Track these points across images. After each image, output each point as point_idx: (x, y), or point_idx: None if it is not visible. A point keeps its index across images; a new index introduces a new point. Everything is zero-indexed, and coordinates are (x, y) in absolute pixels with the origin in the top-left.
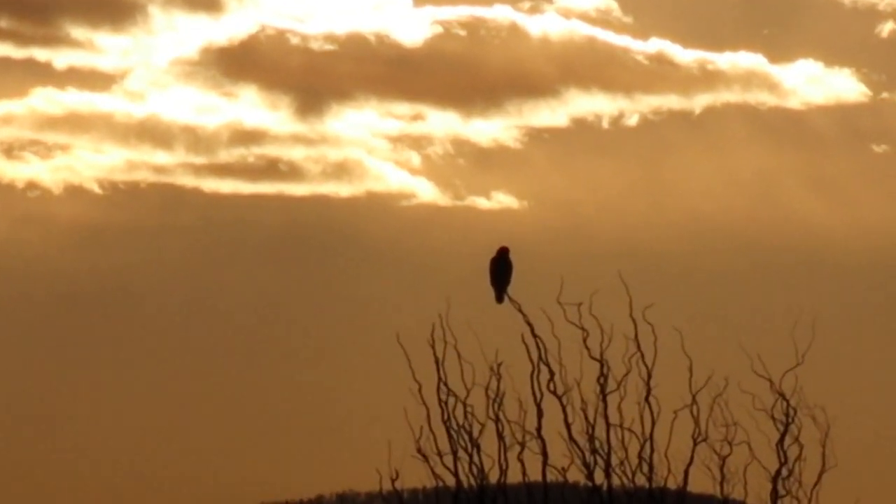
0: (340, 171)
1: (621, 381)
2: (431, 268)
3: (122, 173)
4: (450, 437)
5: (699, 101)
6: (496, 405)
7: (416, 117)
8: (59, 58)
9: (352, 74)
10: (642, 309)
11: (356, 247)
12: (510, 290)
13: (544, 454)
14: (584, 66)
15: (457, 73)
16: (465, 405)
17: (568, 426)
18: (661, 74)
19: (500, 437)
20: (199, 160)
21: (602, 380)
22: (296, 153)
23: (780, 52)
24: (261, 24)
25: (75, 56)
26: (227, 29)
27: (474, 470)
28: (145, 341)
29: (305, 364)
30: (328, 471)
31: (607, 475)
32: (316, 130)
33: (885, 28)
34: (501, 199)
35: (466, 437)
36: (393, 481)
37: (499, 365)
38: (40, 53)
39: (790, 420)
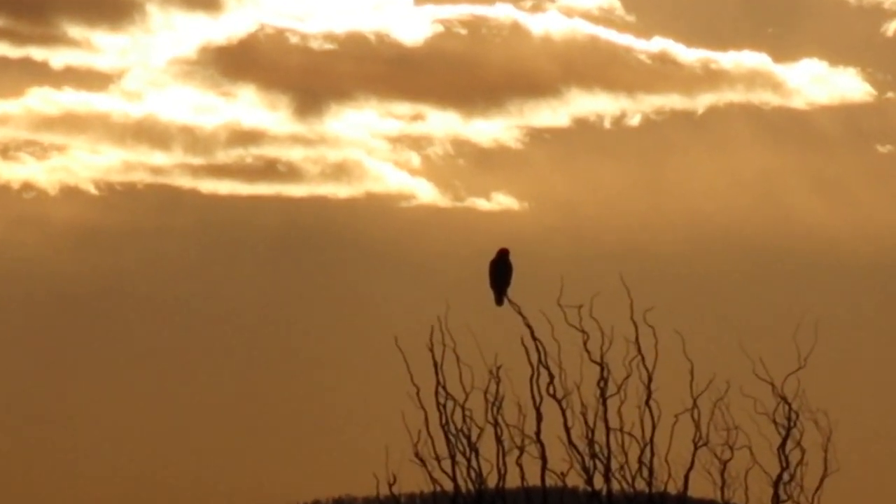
0: (339, 171)
1: (622, 384)
2: (431, 269)
3: (119, 174)
4: (448, 441)
5: (702, 101)
6: (495, 409)
7: (416, 117)
8: (56, 57)
9: (351, 74)
10: (643, 311)
11: (355, 248)
12: (510, 292)
13: (543, 458)
14: (586, 66)
15: (457, 72)
16: (463, 409)
17: (567, 430)
18: (663, 74)
19: (499, 441)
20: (197, 161)
21: (602, 383)
22: (294, 154)
23: (784, 51)
24: (260, 23)
25: (72, 55)
26: (226, 28)
27: (472, 474)
28: (142, 343)
29: (303, 366)
30: (325, 475)
31: (607, 480)
32: (315, 131)
33: (891, 27)
34: (502, 201)
35: (465, 442)
36: (390, 486)
37: (498, 368)
38: (37, 53)
39: (792, 424)
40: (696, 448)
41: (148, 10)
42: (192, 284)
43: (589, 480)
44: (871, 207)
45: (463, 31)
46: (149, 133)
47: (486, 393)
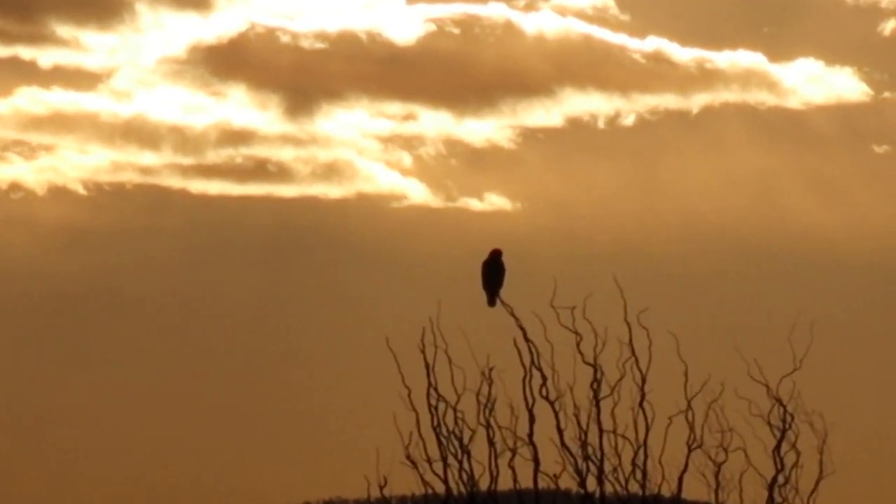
0: (330, 171)
1: (615, 386)
2: (422, 270)
3: (108, 174)
4: (440, 443)
5: (697, 101)
6: (487, 411)
7: (408, 117)
8: (44, 56)
9: (342, 73)
10: (637, 313)
11: (346, 249)
12: (503, 293)
13: (536, 461)
14: (579, 65)
15: (450, 71)
16: (455, 411)
17: (560, 432)
18: (658, 73)
19: (491, 443)
20: (187, 161)
21: (595, 385)
22: (285, 154)
23: (779, 50)
24: (250, 22)
25: (60, 55)
26: (216, 27)
27: (464, 477)
28: (131, 345)
29: (293, 367)
30: (315, 477)
31: (600, 482)
32: (306, 130)
33: (888, 26)
34: (494, 201)
35: (456, 444)
36: (381, 488)
37: (490, 370)
38: (25, 52)
39: (787, 426)
40: (690, 450)
41: (137, 9)
42: (182, 286)
43: (582, 483)
44: (868, 208)
45: (455, 31)
46: (138, 133)
47: (478, 394)
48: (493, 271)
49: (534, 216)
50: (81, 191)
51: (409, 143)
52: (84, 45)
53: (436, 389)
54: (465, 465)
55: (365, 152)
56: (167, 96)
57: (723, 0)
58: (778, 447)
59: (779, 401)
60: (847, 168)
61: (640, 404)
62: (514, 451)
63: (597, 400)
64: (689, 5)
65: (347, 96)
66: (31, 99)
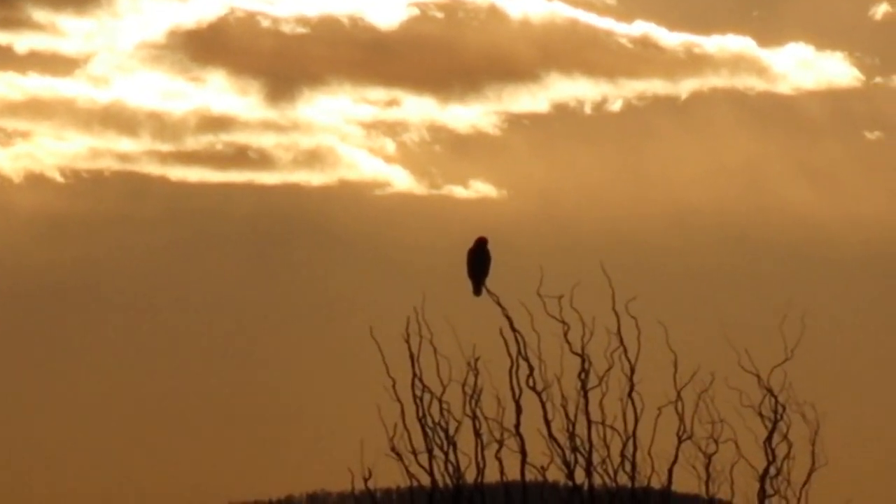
0: (312, 158)
1: (603, 376)
2: (407, 259)
3: (86, 161)
4: (425, 434)
5: (685, 87)
6: (473, 402)
7: (391, 103)
8: (20, 41)
9: (324, 58)
10: (625, 302)
11: (328, 237)
12: (488, 282)
13: (523, 452)
14: (565, 50)
15: (433, 56)
16: (440, 402)
17: (548, 423)
18: (645, 58)
19: (478, 434)
20: (166, 147)
21: (583, 375)
22: (266, 140)
23: (769, 35)
24: (230, 6)
25: (37, 39)
26: (195, 11)
27: (450, 469)
28: (109, 336)
29: (275, 358)
30: (298, 470)
31: (588, 474)
32: (287, 117)
33: (879, 10)
34: (480, 188)
35: (442, 435)
36: (366, 481)
37: (476, 360)
38: (0, 37)
39: (778, 417)
40: (679, 441)
41: None
42: (162, 275)
43: (570, 475)
44: (859, 195)
45: (439, 15)
46: (116, 119)
47: (464, 385)
48: (478, 260)
49: (520, 203)
50: (59, 178)
51: (393, 129)
52: (61, 29)
53: (421, 380)
54: (451, 457)
55: (347, 139)
56: (146, 82)
57: None
58: (769, 438)
59: (770, 391)
60: (838, 155)
61: (629, 395)
62: (500, 443)
63: (585, 390)
64: None
65: (329, 82)
66: (6, 84)
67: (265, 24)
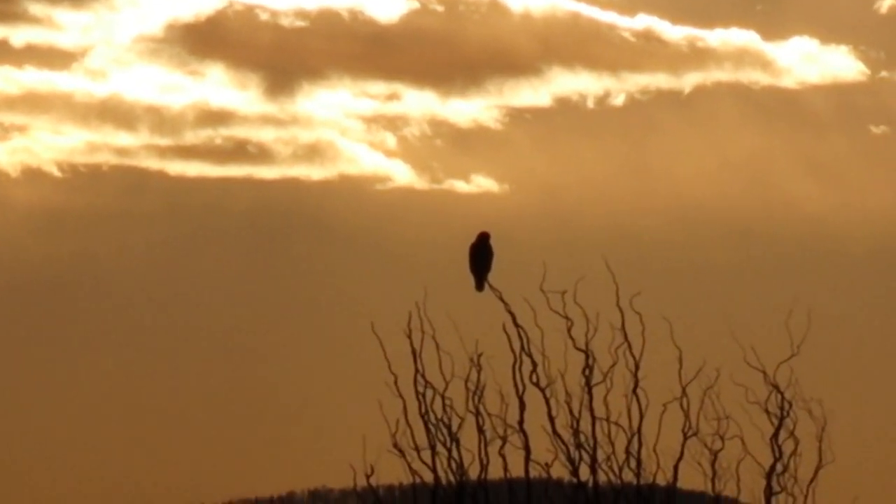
0: (312, 153)
1: (607, 372)
2: (408, 254)
3: (83, 156)
4: (428, 431)
5: (689, 81)
6: (476, 398)
7: (392, 97)
8: (17, 35)
9: (324, 52)
10: (629, 297)
11: (328, 232)
12: (491, 277)
13: (527, 449)
14: (567, 44)
15: (434, 50)
16: (443, 398)
17: (551, 420)
18: (648, 52)
19: (481, 431)
20: (164, 142)
21: (587, 371)
22: (265, 134)
23: (773, 28)
24: None
25: (34, 33)
26: (193, 4)
27: (453, 465)
28: (107, 331)
29: (276, 354)
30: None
31: (593, 471)
32: (286, 111)
33: (884, 4)
34: (481, 183)
35: (445, 432)
36: (368, 477)
37: (479, 356)
38: None
39: (785, 413)
40: (685, 438)
41: None
42: (160, 270)
43: (574, 472)
44: (865, 190)
45: (440, 8)
46: (114, 113)
47: (466, 381)
48: (480, 255)
49: (522, 198)
50: (56, 172)
51: (393, 123)
52: (58, 22)
53: (423, 376)
54: (454, 454)
55: (347, 133)
56: (143, 76)
57: None
58: (776, 435)
59: (776, 387)
60: (843, 149)
61: (634, 391)
62: (504, 439)
63: (589, 387)
64: None
65: (329, 75)
66: (3, 78)
67: (264, 17)
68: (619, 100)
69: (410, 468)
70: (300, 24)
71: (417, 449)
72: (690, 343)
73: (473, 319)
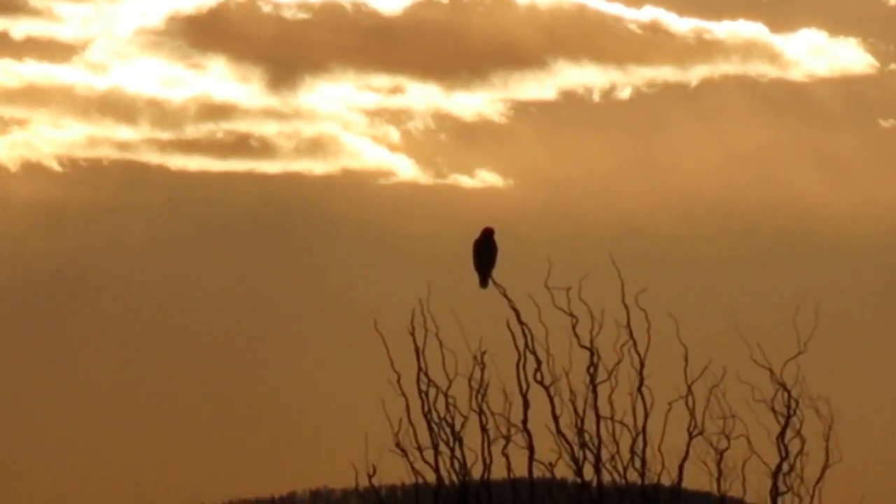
0: (315, 147)
1: (612, 370)
2: (411, 250)
3: (83, 150)
4: (430, 430)
5: (696, 73)
6: (480, 396)
7: (395, 90)
8: (17, 27)
9: (327, 45)
10: (635, 294)
11: (331, 227)
12: (495, 273)
13: (531, 448)
14: (573, 36)
15: (438, 43)
16: (446, 396)
17: (556, 418)
18: (655, 44)
19: (484, 430)
20: (165, 136)
21: (592, 369)
22: (267, 128)
23: (781, 20)
24: None
25: (33, 25)
26: None
27: (456, 465)
28: (107, 328)
29: (277, 352)
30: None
31: (597, 471)
32: (289, 104)
33: None
34: (486, 178)
35: (448, 431)
36: (370, 477)
37: (482, 353)
38: None
39: (791, 412)
40: (690, 437)
41: None
42: (161, 266)
43: (578, 471)
44: (874, 184)
45: (444, 0)
46: (114, 107)
47: (470, 379)
48: (484, 251)
49: (527, 193)
50: (56, 167)
51: (397, 117)
52: (58, 15)
53: (426, 374)
54: (457, 453)
55: (350, 127)
56: (145, 69)
57: None
58: (782, 434)
59: (783, 385)
60: (852, 143)
61: (639, 389)
62: (507, 439)
63: (593, 385)
64: None
65: (332, 69)
66: (3, 71)
67: (266, 9)
68: (625, 93)
69: (413, 468)
70: (303, 16)
71: (420, 448)
72: (696, 340)
73: (477, 316)
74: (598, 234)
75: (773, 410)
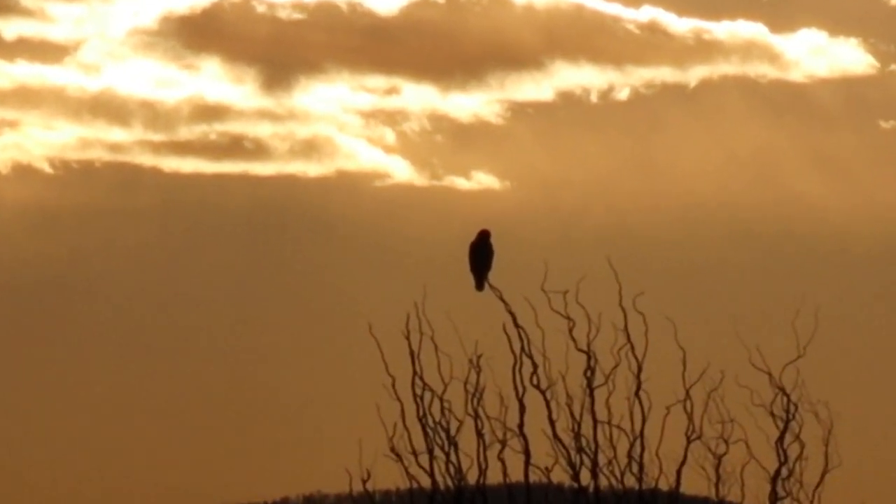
0: (309, 148)
1: (609, 374)
2: (407, 253)
3: (76, 151)
4: (425, 434)
5: (695, 74)
6: (475, 400)
7: (391, 91)
8: (8, 27)
9: (321, 45)
10: (632, 297)
11: (326, 230)
12: (491, 276)
13: (527, 453)
14: (570, 36)
15: (434, 43)
16: (442, 400)
17: (552, 423)
18: (653, 45)
19: (480, 434)
20: (159, 137)
21: (589, 373)
22: (262, 130)
23: (781, 20)
24: None
25: (25, 25)
26: None
27: (451, 470)
28: (99, 332)
29: (271, 355)
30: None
31: (594, 476)
32: (283, 105)
33: None
34: (482, 179)
35: (443, 435)
36: (364, 482)
37: (478, 357)
38: None
39: (791, 416)
40: (688, 442)
41: None
42: (154, 268)
43: (575, 476)
44: (874, 186)
45: (440, 0)
46: (107, 108)
47: (465, 383)
48: (480, 253)
49: (523, 195)
50: (48, 169)
51: (392, 118)
52: (50, 15)
53: (421, 378)
54: (453, 458)
55: (345, 128)
56: (138, 69)
57: None
58: (781, 438)
59: (782, 390)
60: (852, 144)
61: (636, 393)
62: (503, 443)
63: (590, 389)
64: None
65: (327, 69)
66: None
67: (260, 9)
68: (623, 94)
69: (408, 473)
70: (297, 16)
71: (415, 453)
72: (694, 344)
73: (473, 320)
74: (595, 237)
75: (772, 415)
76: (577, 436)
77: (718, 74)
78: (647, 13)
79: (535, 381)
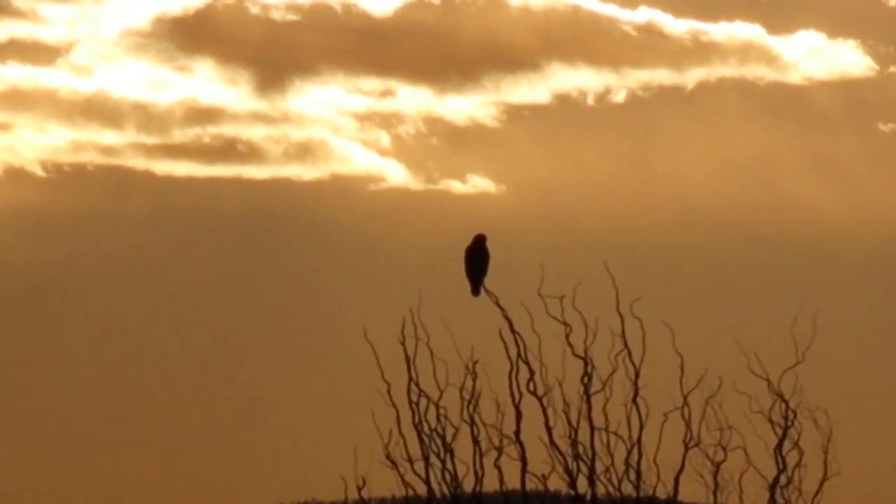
0: (303, 152)
1: (607, 380)
2: (402, 257)
3: (68, 154)
4: (421, 441)
5: (692, 76)
6: (471, 407)
7: (386, 93)
8: None
9: (316, 47)
10: (630, 302)
11: (320, 234)
12: (487, 281)
13: (523, 460)
14: (567, 38)
15: (430, 45)
16: (437, 407)
17: (549, 430)
18: (650, 47)
19: (476, 441)
20: (151, 140)
21: (586, 379)
22: (255, 133)
23: (779, 22)
24: None
25: (16, 27)
26: None
27: (447, 477)
28: (91, 337)
29: (265, 361)
30: (289, 478)
31: (591, 483)
32: (277, 108)
33: None
34: (478, 183)
35: (439, 442)
36: (359, 490)
37: (474, 363)
38: None
39: (789, 423)
40: (686, 449)
41: None
42: (147, 272)
43: (572, 483)
44: (873, 190)
45: (436, 2)
46: (99, 110)
47: (461, 390)
48: (476, 258)
49: (520, 199)
50: (39, 172)
51: (387, 121)
52: (41, 16)
53: (417, 384)
54: (449, 465)
55: (340, 131)
56: (130, 71)
57: None
58: (780, 446)
59: (780, 396)
60: (851, 147)
61: (634, 400)
62: (499, 450)
63: (587, 395)
64: None
65: (321, 72)
66: None
67: (254, 11)
68: (620, 96)
69: (403, 480)
70: (292, 18)
71: (411, 460)
72: (692, 350)
73: (469, 325)
74: (592, 241)
75: (771, 421)
76: (574, 443)
77: (716, 76)
78: (644, 14)
79: (531, 388)
